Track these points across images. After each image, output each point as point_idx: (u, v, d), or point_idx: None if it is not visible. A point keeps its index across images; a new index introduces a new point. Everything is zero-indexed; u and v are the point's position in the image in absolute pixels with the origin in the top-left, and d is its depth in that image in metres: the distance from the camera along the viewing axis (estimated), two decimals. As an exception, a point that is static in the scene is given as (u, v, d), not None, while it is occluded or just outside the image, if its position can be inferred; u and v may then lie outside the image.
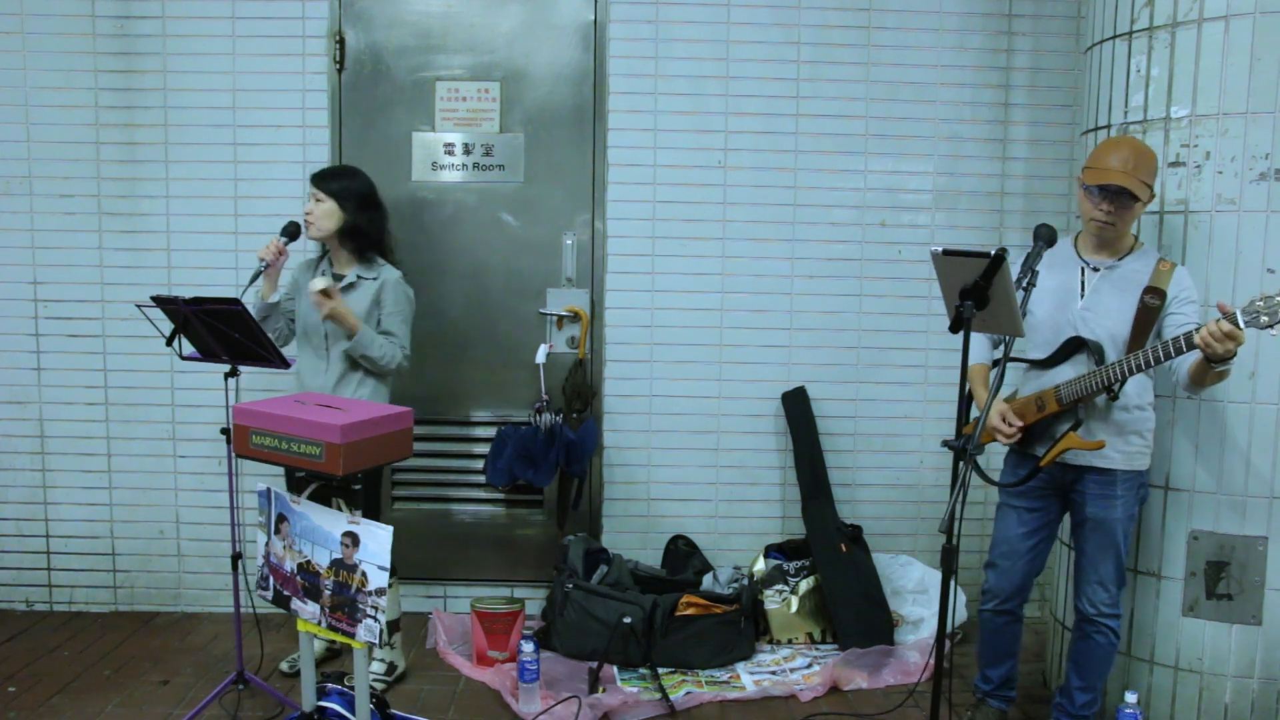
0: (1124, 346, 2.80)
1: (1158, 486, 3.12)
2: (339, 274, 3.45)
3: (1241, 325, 2.42)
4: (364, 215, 3.42)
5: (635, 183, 4.06)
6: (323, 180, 3.41)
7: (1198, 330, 2.48)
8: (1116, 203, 2.76)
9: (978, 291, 2.44)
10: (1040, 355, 2.92)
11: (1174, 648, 3.12)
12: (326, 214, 3.38)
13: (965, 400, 2.93)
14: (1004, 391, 2.93)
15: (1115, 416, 2.84)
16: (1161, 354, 2.58)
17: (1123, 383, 2.73)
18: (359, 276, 3.42)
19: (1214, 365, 2.54)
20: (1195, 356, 2.58)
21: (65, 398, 4.10)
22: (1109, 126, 3.24)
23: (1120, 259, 2.89)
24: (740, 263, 4.08)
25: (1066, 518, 3.08)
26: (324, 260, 3.52)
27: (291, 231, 3.42)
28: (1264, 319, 2.40)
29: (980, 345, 3.06)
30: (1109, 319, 2.82)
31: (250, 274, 3.34)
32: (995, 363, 3.00)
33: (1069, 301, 2.89)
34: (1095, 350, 2.79)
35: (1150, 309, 2.77)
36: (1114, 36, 3.22)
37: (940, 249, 2.51)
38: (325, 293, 3.24)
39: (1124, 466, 2.87)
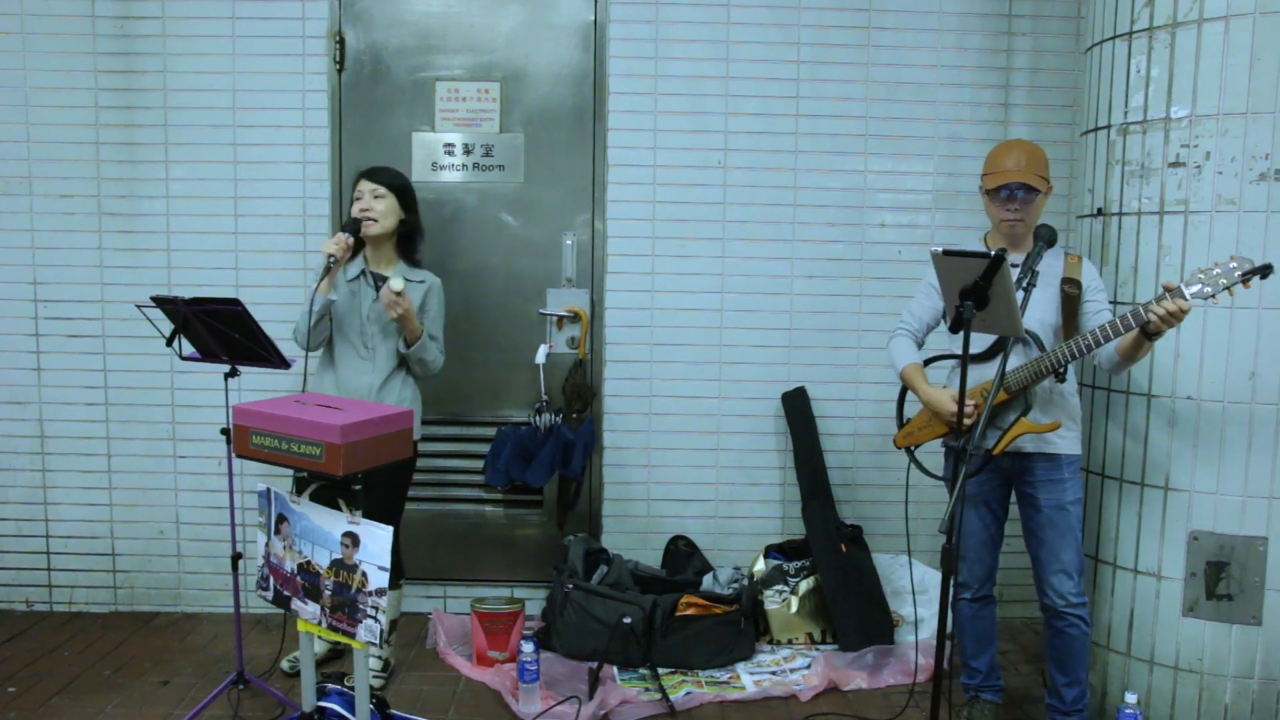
0: (1056, 333, 2.95)
1: (1157, 487, 3.12)
2: (380, 274, 3.43)
3: (1188, 298, 2.58)
4: (414, 216, 3.46)
5: (635, 183, 4.06)
6: (382, 175, 3.40)
7: (1151, 307, 2.61)
8: (1018, 200, 2.92)
9: (977, 292, 2.45)
10: (975, 350, 2.94)
11: (1174, 648, 3.12)
12: (389, 210, 3.37)
13: (901, 398, 3.27)
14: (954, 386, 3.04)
15: (1058, 401, 2.96)
16: (1111, 332, 2.71)
17: (1068, 365, 2.88)
18: (406, 280, 3.36)
19: (1152, 338, 2.69)
20: (1128, 336, 2.72)
21: (65, 398, 4.10)
22: (1109, 127, 3.24)
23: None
24: (740, 263, 4.09)
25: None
26: (360, 259, 3.46)
27: (354, 228, 3.36)
28: (1207, 289, 2.58)
29: (909, 348, 3.17)
30: (1037, 309, 2.94)
31: (318, 272, 3.28)
32: (927, 361, 3.15)
33: None
34: (1034, 339, 2.92)
35: (1071, 297, 2.93)
36: (1114, 37, 3.22)
37: (940, 249, 2.52)
38: (402, 294, 3.24)
39: (1068, 450, 2.99)
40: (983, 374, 2.95)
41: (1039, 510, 3.00)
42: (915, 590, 3.97)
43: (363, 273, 3.43)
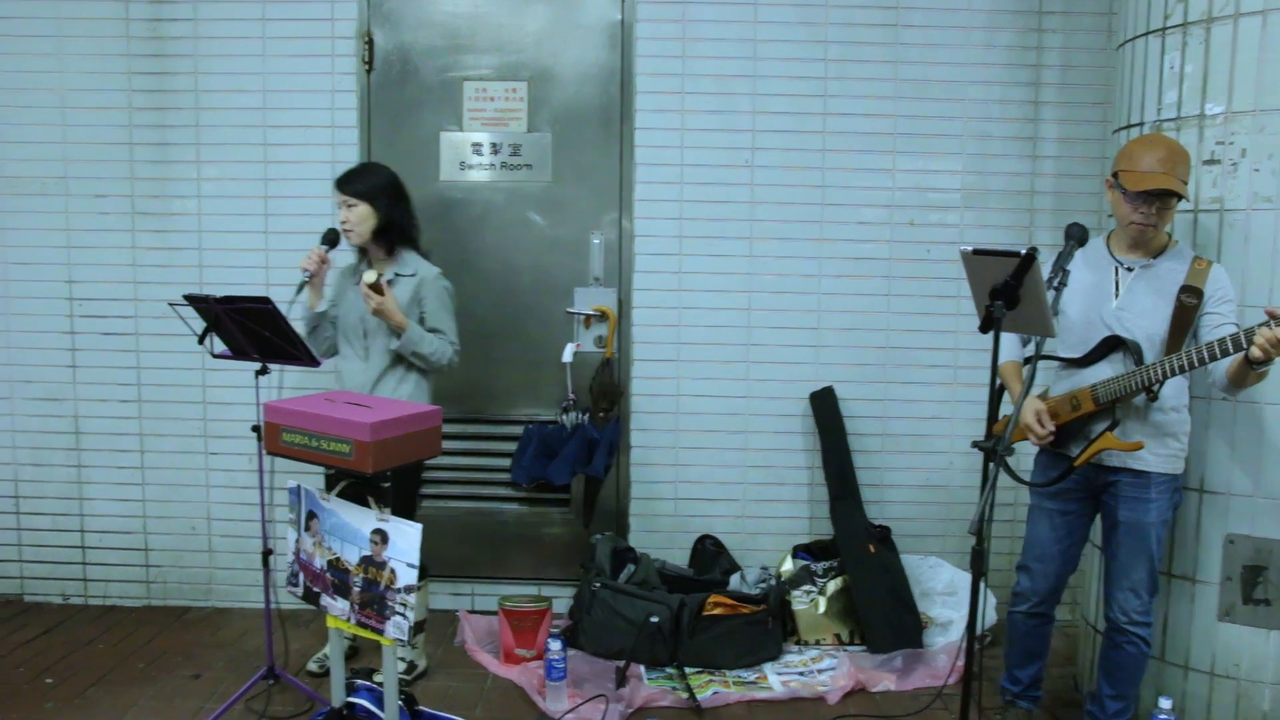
0: (1161, 346, 2.77)
1: (1192, 489, 3.08)
2: (380, 272, 3.45)
3: None
4: (395, 210, 3.41)
5: (662, 182, 4.05)
6: (347, 184, 3.38)
7: (1254, 334, 2.43)
8: (1159, 204, 2.74)
9: (1008, 291, 2.41)
10: (1073, 354, 2.89)
11: (1209, 653, 3.08)
12: (361, 218, 3.36)
13: (996, 397, 2.95)
14: (1035, 390, 2.91)
15: (1153, 418, 2.80)
16: (1207, 355, 2.55)
17: (1163, 383, 2.71)
18: (396, 274, 3.40)
19: (1255, 367, 2.51)
20: (1236, 358, 2.56)
21: (99, 395, 4.16)
22: (1141, 124, 3.20)
23: (1155, 258, 2.86)
24: (768, 262, 4.07)
25: (1098, 521, 3.05)
26: (363, 263, 3.50)
27: (331, 239, 3.40)
28: None
29: (1011, 343, 3.04)
30: (1145, 318, 2.79)
31: (295, 286, 3.31)
32: (1027, 360, 2.97)
33: (1103, 301, 2.86)
34: (1134, 350, 2.77)
35: (1187, 308, 2.73)
36: (1147, 33, 3.18)
37: (970, 248, 2.49)
38: (376, 287, 3.25)
39: (1159, 469, 2.84)
40: (1082, 379, 2.86)
41: (1117, 525, 2.89)
42: (947, 592, 3.95)
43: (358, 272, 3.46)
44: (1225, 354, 2.53)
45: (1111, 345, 2.82)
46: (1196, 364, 2.58)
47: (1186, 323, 2.75)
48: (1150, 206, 2.74)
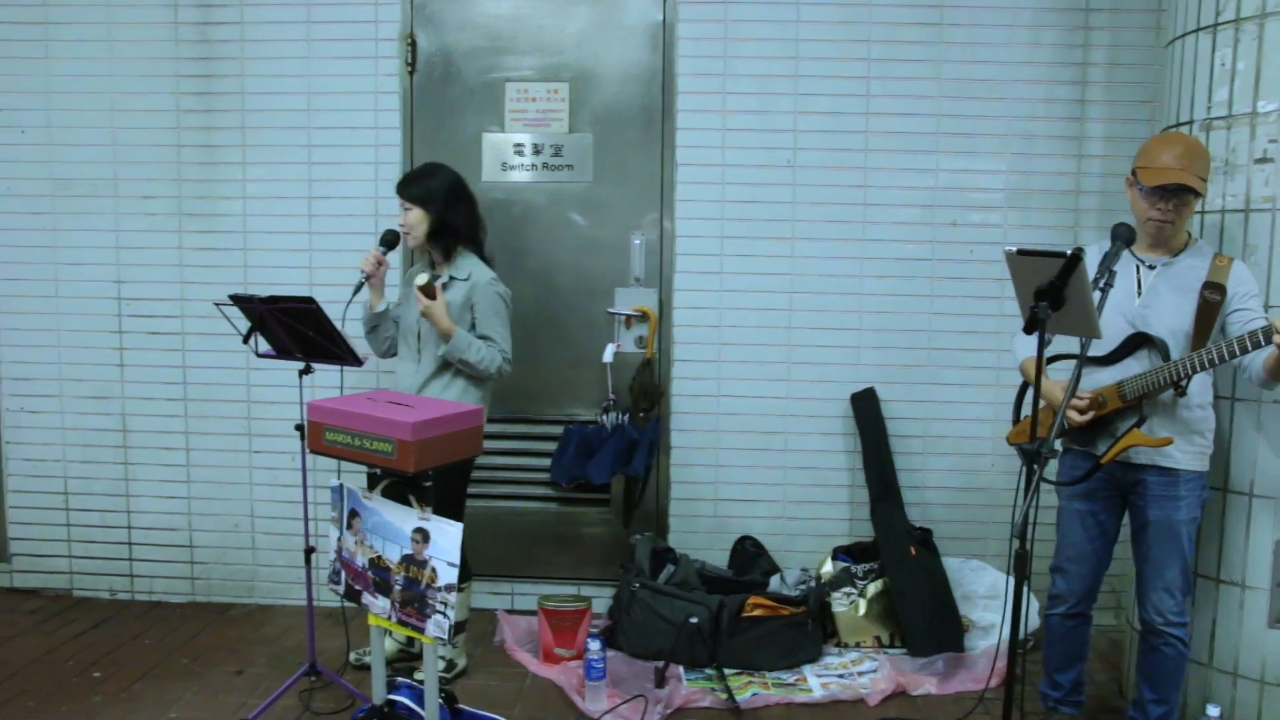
0: (1186, 342, 2.77)
1: (1241, 493, 3.02)
2: (437, 275, 3.46)
3: None
4: (451, 211, 3.40)
5: (704, 182, 4.05)
6: (404, 188, 3.41)
7: (1277, 325, 2.43)
8: (1175, 200, 2.74)
9: (1053, 292, 2.38)
10: (1097, 352, 2.87)
11: (1259, 661, 3.02)
12: (416, 221, 3.38)
13: (1020, 397, 3.10)
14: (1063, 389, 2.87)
15: (1180, 414, 2.80)
16: (1237, 348, 2.55)
17: (1190, 378, 2.70)
18: (451, 277, 3.41)
19: None
20: (1270, 351, 2.54)
21: (146, 393, 4.23)
22: (1191, 122, 3.15)
23: (1175, 255, 2.86)
24: (809, 262, 4.05)
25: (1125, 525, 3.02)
26: (422, 264, 3.52)
27: (389, 240, 3.42)
28: None
29: (1029, 341, 3.02)
30: (1169, 315, 2.79)
31: (352, 286, 3.34)
32: (1051, 359, 2.95)
33: (1125, 299, 2.85)
34: (1160, 347, 2.76)
35: (1211, 304, 2.73)
36: (1197, 29, 3.13)
37: (1014, 249, 2.47)
38: (427, 290, 3.27)
39: (1187, 466, 2.82)
40: (1103, 378, 2.85)
41: (1147, 524, 2.87)
42: (989, 596, 3.91)
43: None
44: (1257, 346, 2.53)
45: (1136, 343, 2.82)
46: (1227, 357, 2.58)
47: (1211, 319, 2.74)
48: (1167, 203, 2.75)
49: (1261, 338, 2.49)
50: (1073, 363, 2.94)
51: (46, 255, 4.20)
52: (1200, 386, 2.80)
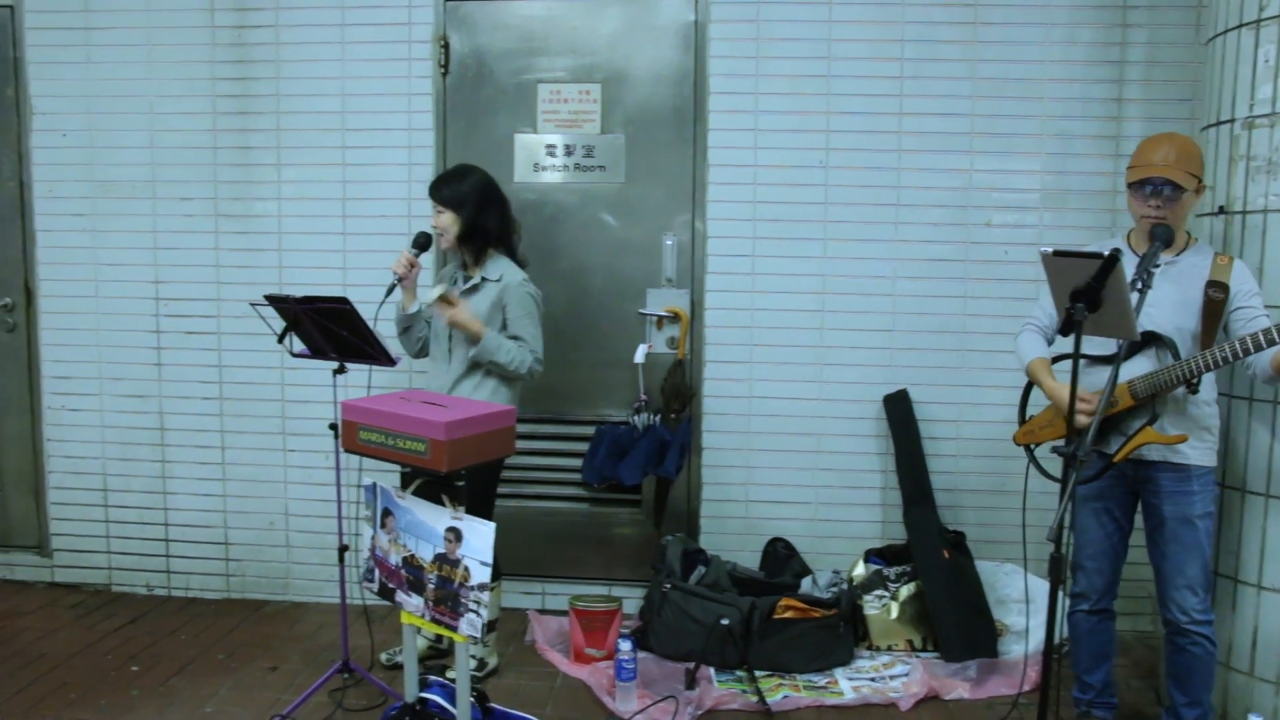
0: (1192, 340, 2.80)
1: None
2: (468, 276, 3.48)
3: None
4: (481, 215, 3.41)
5: (735, 183, 4.04)
6: (436, 190, 3.42)
7: None
8: (1161, 196, 2.78)
9: (1090, 293, 2.37)
10: (1103, 351, 2.88)
11: (1300, 667, 2.98)
12: (449, 224, 3.40)
13: (1025, 397, 3.16)
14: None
15: (1190, 410, 2.82)
16: (1251, 345, 2.57)
17: (1202, 376, 2.73)
18: (483, 278, 3.43)
19: None
20: (1277, 349, 2.58)
21: (183, 392, 4.28)
22: (1232, 120, 3.11)
23: (1177, 255, 2.88)
24: (842, 263, 4.03)
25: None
26: (448, 269, 3.54)
27: (421, 243, 3.42)
28: None
29: (1037, 342, 3.10)
30: (1174, 314, 2.81)
31: (385, 287, 3.35)
32: (1062, 356, 2.99)
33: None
34: (1169, 345, 2.77)
35: (1215, 302, 2.77)
36: (1239, 26, 3.08)
37: (1051, 249, 2.45)
38: (445, 300, 3.29)
39: (1198, 461, 2.85)
40: (1107, 377, 2.83)
41: (1163, 522, 2.87)
42: (1022, 600, 3.86)
43: (451, 280, 3.51)
44: (1271, 344, 2.55)
45: (1144, 341, 2.82)
46: (1241, 354, 2.60)
47: (1216, 315, 2.77)
48: (1157, 199, 2.79)
49: (1276, 335, 2.52)
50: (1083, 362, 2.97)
51: (87, 256, 4.27)
52: (1206, 384, 2.83)
